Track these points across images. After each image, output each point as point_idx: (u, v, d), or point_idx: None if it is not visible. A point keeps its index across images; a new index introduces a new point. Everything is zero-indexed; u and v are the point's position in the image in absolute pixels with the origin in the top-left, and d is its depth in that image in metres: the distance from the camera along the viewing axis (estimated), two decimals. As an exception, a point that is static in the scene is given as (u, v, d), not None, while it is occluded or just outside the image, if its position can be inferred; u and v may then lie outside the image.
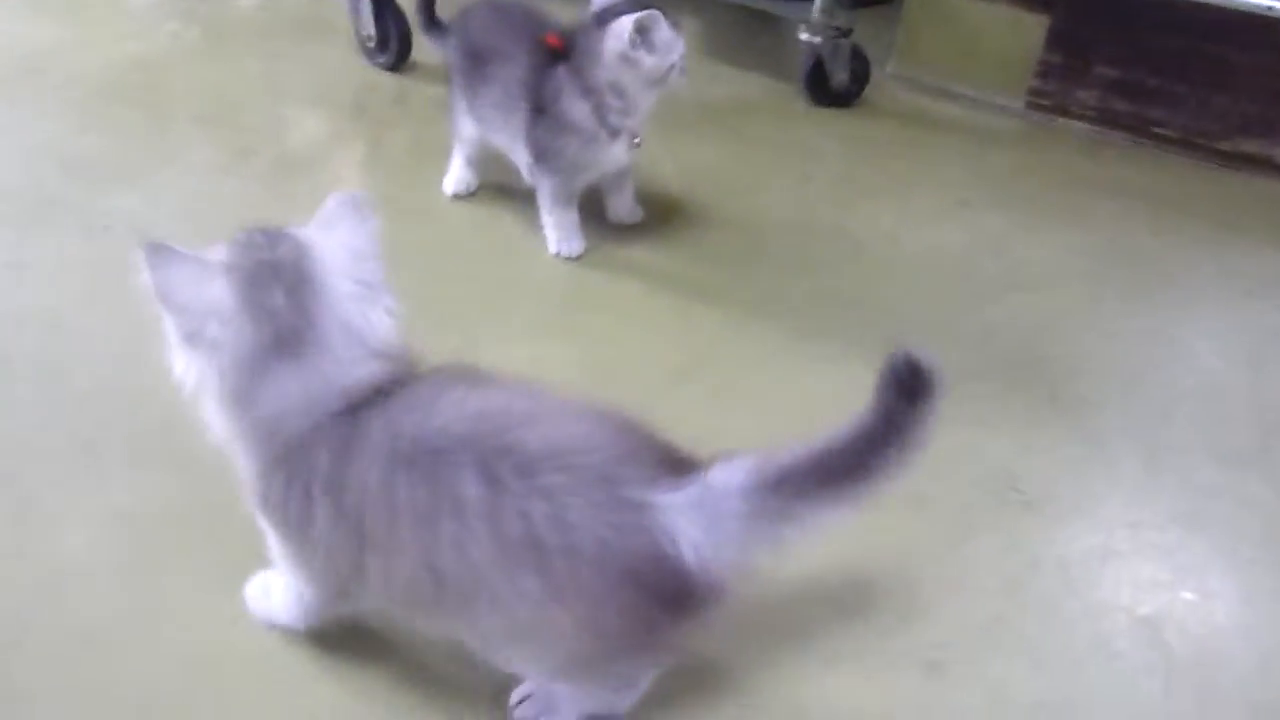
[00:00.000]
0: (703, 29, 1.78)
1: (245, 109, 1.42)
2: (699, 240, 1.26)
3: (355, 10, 1.53)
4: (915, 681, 0.76)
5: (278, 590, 0.72)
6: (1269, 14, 1.44)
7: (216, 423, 0.63)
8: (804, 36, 1.52)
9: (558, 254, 1.18)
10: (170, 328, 0.62)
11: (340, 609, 0.70)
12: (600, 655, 0.64)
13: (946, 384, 0.64)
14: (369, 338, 0.63)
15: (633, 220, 1.26)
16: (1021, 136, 1.59)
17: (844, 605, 0.82)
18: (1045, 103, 1.62)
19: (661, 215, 1.29)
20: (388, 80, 1.54)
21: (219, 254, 0.62)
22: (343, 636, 0.73)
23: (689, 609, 0.62)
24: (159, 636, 0.74)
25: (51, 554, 0.80)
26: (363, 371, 0.62)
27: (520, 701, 0.70)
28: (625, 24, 1.11)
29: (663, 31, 1.13)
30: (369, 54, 1.55)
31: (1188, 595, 0.86)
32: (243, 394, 0.61)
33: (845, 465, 0.63)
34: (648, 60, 1.13)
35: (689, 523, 0.60)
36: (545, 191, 1.18)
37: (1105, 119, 1.59)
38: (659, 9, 1.13)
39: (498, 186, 1.29)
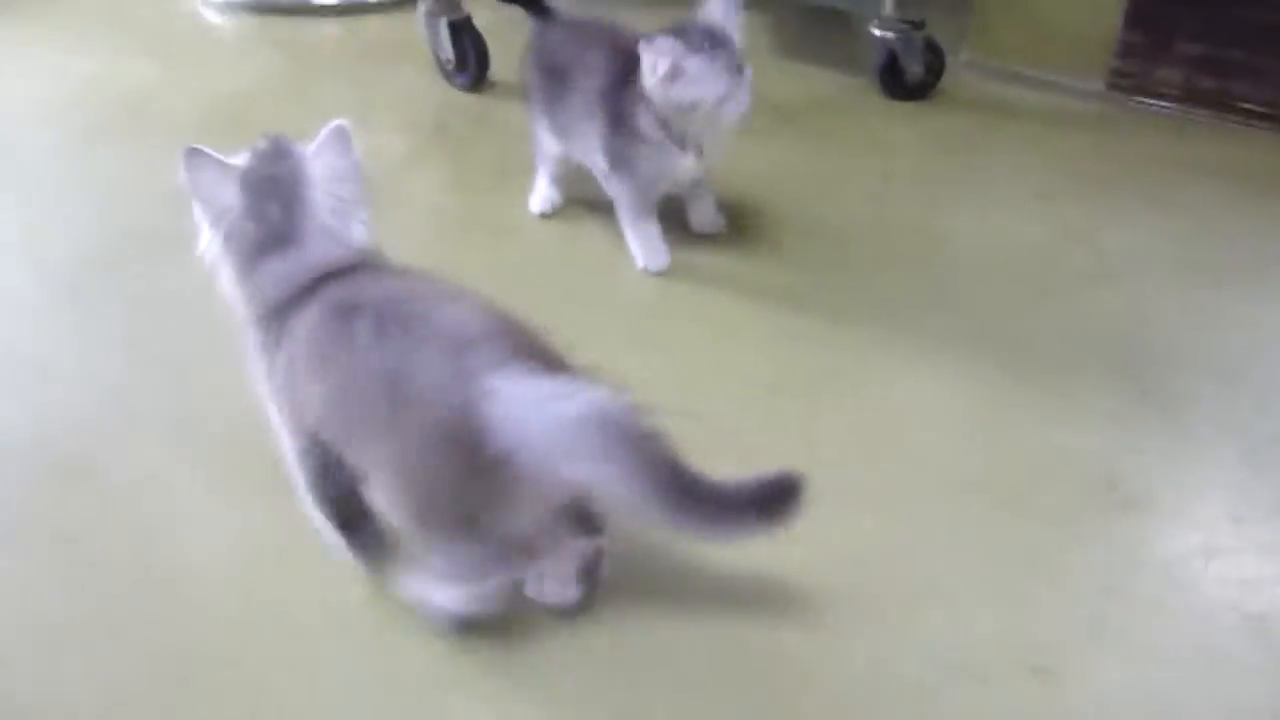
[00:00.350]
0: (773, 27, 1.78)
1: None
2: (782, 245, 1.26)
3: (434, 34, 1.56)
4: (1023, 686, 0.77)
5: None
6: (1359, -19, 1.40)
7: (226, 285, 0.83)
8: (876, 32, 1.51)
9: (644, 269, 1.20)
10: (199, 212, 0.83)
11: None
12: (424, 511, 0.74)
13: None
14: (341, 239, 0.81)
15: (715, 230, 1.26)
16: (1103, 120, 1.56)
17: (950, 608, 0.83)
18: (1126, 83, 1.58)
19: (743, 222, 1.30)
20: (468, 100, 1.57)
21: (240, 160, 0.82)
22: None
23: (495, 488, 0.70)
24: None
25: (183, 590, 0.84)
26: (329, 258, 0.80)
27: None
28: (654, 52, 1.08)
29: (692, 65, 1.08)
30: (448, 75, 1.58)
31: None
32: (243, 270, 0.81)
33: (677, 490, 0.68)
34: (677, 92, 1.09)
35: (511, 411, 0.67)
36: (623, 204, 1.20)
37: (1190, 97, 1.55)
38: (704, 40, 1.08)
39: (584, 203, 1.31)
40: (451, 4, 1.52)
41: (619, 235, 1.23)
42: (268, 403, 0.82)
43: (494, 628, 0.78)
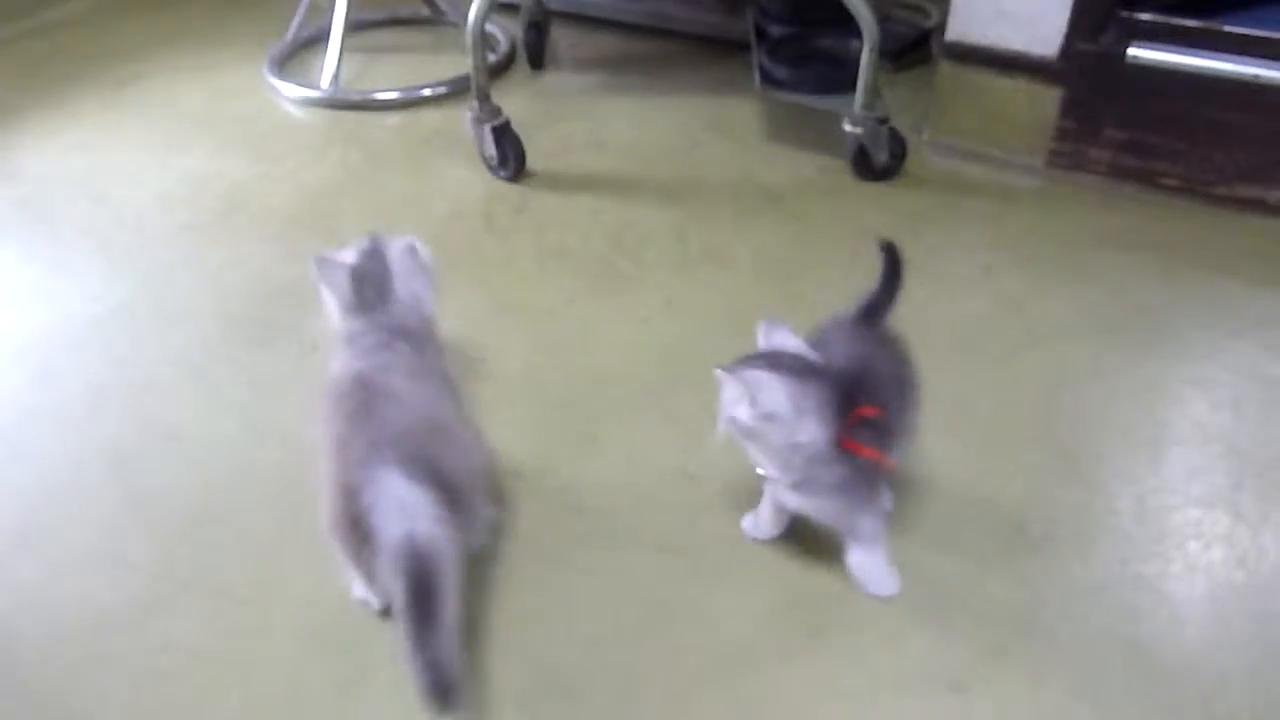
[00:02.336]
0: (765, 115, 1.92)
1: (400, 229, 1.60)
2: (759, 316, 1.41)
3: (479, 137, 1.71)
4: (942, 699, 0.92)
5: None
6: (1254, 80, 1.53)
7: (338, 324, 1.08)
8: (847, 127, 1.65)
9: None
10: (326, 295, 1.09)
11: None
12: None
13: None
14: (412, 310, 1.09)
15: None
16: (1042, 194, 1.69)
17: (884, 631, 0.98)
18: (1063, 161, 1.71)
19: (725, 301, 1.44)
20: (510, 191, 1.71)
21: (349, 254, 1.10)
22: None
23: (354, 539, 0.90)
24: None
25: (299, 629, 1.01)
26: (404, 321, 1.07)
27: None
28: (736, 381, 0.90)
29: (772, 398, 0.89)
30: (492, 169, 1.73)
31: (1165, 617, 0.99)
32: (346, 320, 1.07)
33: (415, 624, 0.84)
34: (754, 423, 0.91)
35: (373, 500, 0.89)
36: None
37: (1117, 173, 1.68)
38: (797, 372, 0.91)
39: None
40: (493, 112, 1.67)
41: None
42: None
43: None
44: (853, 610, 1.00)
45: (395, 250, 1.12)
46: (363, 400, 0.96)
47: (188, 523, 1.12)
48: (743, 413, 0.90)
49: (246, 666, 0.96)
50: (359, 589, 1.00)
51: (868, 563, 1.00)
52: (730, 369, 0.91)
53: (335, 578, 1.04)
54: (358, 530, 0.89)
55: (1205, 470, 1.16)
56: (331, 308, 1.10)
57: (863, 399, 0.93)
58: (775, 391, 0.89)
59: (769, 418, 0.90)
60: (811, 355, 0.94)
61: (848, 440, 0.91)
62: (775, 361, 0.92)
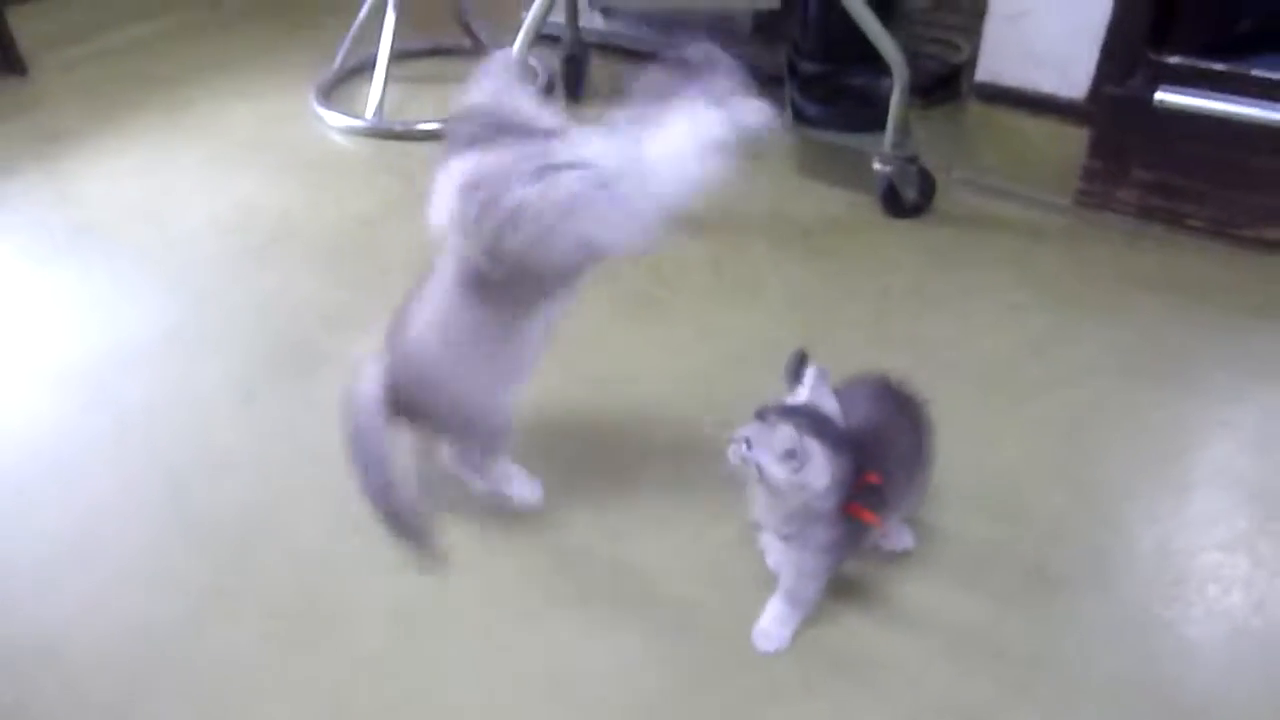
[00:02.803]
0: (799, 151, 1.95)
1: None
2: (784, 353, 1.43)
3: (520, 168, 1.75)
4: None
5: None
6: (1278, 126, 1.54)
7: None
8: (876, 165, 1.68)
9: None
10: None
11: None
12: None
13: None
14: None
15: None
16: (1070, 233, 1.70)
17: (909, 671, 1.00)
18: (1090, 201, 1.73)
19: (756, 340, 1.47)
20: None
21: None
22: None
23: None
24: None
25: (345, 648, 1.05)
26: None
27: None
28: (785, 439, 0.90)
29: (817, 472, 0.91)
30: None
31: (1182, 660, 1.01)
32: None
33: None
34: (786, 483, 0.91)
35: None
36: None
37: (1143, 213, 1.70)
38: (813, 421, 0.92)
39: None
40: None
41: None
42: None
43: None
44: (875, 646, 1.02)
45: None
46: None
47: (238, 543, 1.16)
48: (778, 471, 0.90)
49: (294, 683, 1.00)
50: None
51: (784, 617, 1.02)
52: (778, 420, 0.90)
53: (380, 598, 1.08)
54: None
55: (1227, 513, 1.17)
56: None
57: (871, 465, 0.95)
58: (821, 467, 0.90)
59: (803, 486, 0.91)
60: (842, 422, 0.94)
61: (853, 505, 0.94)
62: (821, 429, 0.91)
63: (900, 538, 1.11)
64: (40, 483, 1.25)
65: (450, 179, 0.83)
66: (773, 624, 1.02)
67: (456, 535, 1.14)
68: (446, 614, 1.07)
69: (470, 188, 0.81)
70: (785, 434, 0.89)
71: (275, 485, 1.24)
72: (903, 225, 1.72)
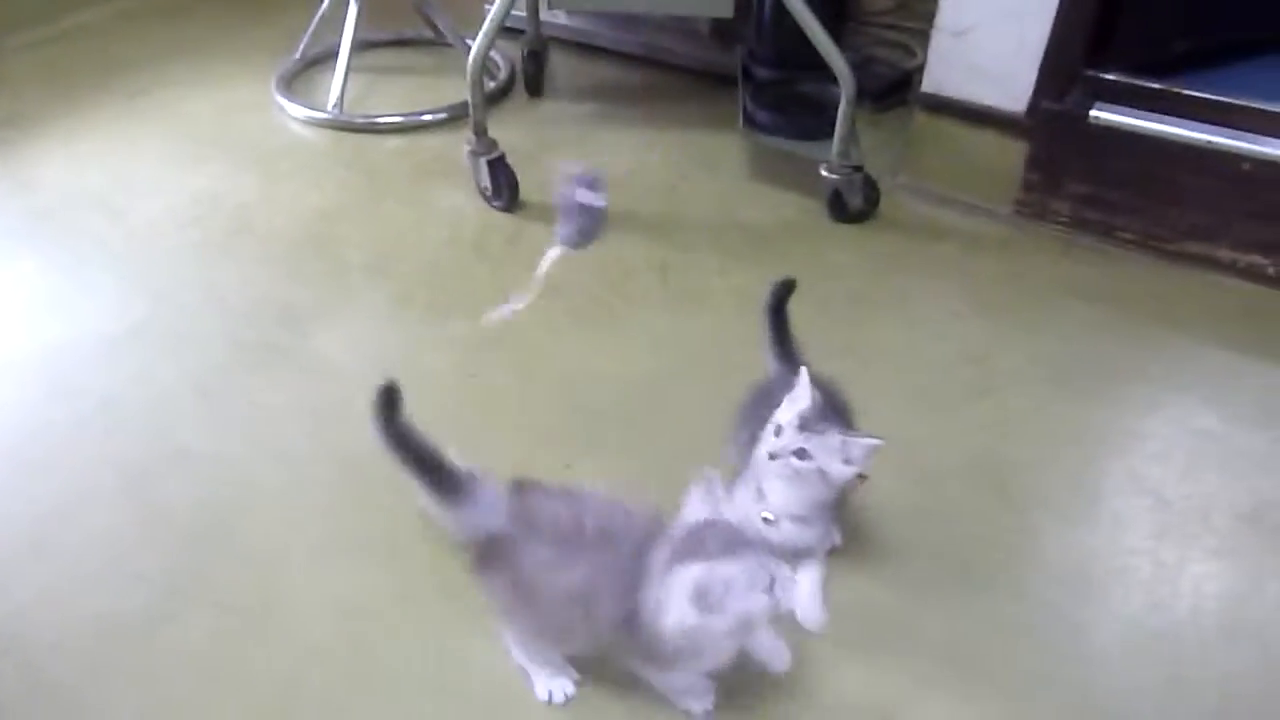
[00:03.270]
0: (750, 154, 2.00)
1: (399, 256, 1.70)
2: (727, 361, 1.49)
3: (475, 168, 1.79)
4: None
5: None
6: (1207, 146, 1.62)
7: None
8: (824, 173, 1.74)
9: None
10: None
11: None
12: None
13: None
14: None
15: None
16: (1008, 242, 1.77)
17: (817, 662, 1.07)
18: (1028, 210, 1.80)
19: (692, 350, 1.53)
20: (503, 221, 1.80)
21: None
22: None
23: None
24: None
25: (296, 640, 1.10)
26: None
27: None
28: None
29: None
30: (487, 199, 1.82)
31: (1086, 657, 1.08)
32: None
33: None
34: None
35: None
36: None
37: (1077, 225, 1.77)
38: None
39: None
40: (489, 146, 1.75)
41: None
42: None
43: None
44: (788, 640, 1.07)
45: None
46: None
47: (194, 537, 1.20)
48: (841, 471, 1.03)
49: (246, 675, 1.05)
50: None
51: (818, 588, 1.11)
52: (826, 427, 1.03)
53: (331, 592, 1.13)
54: None
55: (1133, 519, 1.25)
56: None
57: None
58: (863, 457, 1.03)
59: (845, 478, 1.04)
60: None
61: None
62: (844, 425, 1.07)
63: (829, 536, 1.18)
64: (3, 474, 1.28)
65: (682, 586, 0.87)
66: (814, 599, 1.10)
67: (405, 531, 1.19)
68: (397, 609, 1.12)
69: (700, 596, 0.86)
70: (837, 439, 1.02)
71: (230, 480, 1.28)
72: (848, 231, 1.78)
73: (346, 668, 1.06)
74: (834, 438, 1.01)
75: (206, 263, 1.69)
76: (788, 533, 1.08)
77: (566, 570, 0.92)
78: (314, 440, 1.34)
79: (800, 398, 1.04)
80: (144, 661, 1.06)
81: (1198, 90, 1.67)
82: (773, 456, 1.03)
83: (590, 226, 1.48)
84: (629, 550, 0.91)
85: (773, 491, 1.06)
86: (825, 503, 1.07)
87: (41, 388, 1.42)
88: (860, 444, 1.02)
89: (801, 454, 1.01)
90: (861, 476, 1.05)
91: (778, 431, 1.03)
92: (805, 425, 1.02)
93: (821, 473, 1.02)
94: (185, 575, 1.15)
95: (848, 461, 1.02)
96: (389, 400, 1.00)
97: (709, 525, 0.90)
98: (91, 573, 1.16)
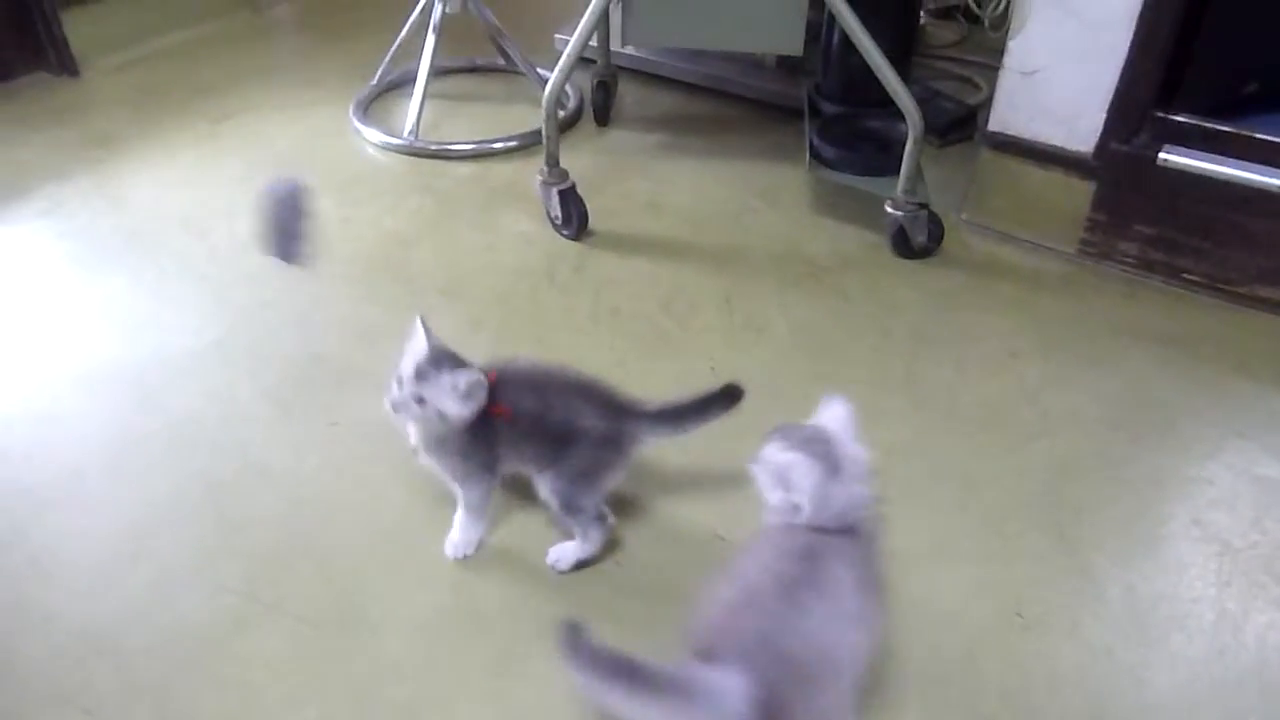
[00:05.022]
0: (813, 187, 2.04)
1: (471, 281, 1.77)
2: (792, 393, 1.52)
3: (546, 197, 1.85)
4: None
5: None
6: (1277, 191, 1.62)
7: None
8: (888, 209, 1.77)
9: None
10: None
11: None
12: None
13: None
14: None
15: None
16: (1071, 281, 1.79)
17: (878, 701, 1.09)
18: (1093, 251, 1.81)
19: (772, 370, 1.56)
20: (571, 249, 1.85)
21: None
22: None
23: None
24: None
25: (370, 653, 1.15)
26: None
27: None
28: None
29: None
30: (556, 227, 1.88)
31: (1143, 705, 1.09)
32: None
33: None
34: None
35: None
36: None
37: (1143, 266, 1.78)
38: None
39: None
40: (560, 176, 1.81)
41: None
42: None
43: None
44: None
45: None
46: None
47: (274, 550, 1.27)
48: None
49: (322, 686, 1.11)
50: None
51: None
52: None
53: (407, 607, 1.19)
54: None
55: (1197, 565, 1.26)
56: None
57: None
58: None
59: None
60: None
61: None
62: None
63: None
64: (98, 482, 1.36)
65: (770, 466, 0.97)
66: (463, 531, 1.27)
67: (487, 549, 1.25)
68: (471, 625, 1.17)
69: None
70: (446, 381, 1.14)
71: (308, 495, 1.34)
72: (910, 266, 1.81)
73: (418, 681, 1.11)
74: (444, 379, 1.12)
75: (287, 283, 1.76)
76: (433, 464, 1.22)
77: None
78: (388, 460, 1.39)
79: (417, 348, 1.14)
80: (226, 667, 1.12)
81: (1268, 133, 1.67)
82: (395, 409, 1.15)
83: (292, 238, 1.61)
84: None
85: (413, 433, 1.21)
86: (453, 436, 1.17)
87: (130, 399, 1.50)
88: (465, 376, 1.12)
89: (420, 400, 1.13)
90: (497, 409, 1.16)
91: (399, 384, 1.14)
92: (420, 374, 1.13)
93: (440, 413, 1.13)
94: (265, 586, 1.22)
95: (465, 397, 1.13)
96: (576, 635, 0.91)
97: None
98: (179, 581, 1.22)
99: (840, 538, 0.94)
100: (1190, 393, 1.53)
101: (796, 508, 0.95)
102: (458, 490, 1.24)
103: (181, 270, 1.79)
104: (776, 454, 0.96)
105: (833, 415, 1.02)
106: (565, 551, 1.25)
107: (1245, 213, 1.66)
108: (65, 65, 2.47)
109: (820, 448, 0.96)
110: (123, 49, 2.61)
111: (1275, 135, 1.66)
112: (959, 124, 2.19)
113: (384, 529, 1.30)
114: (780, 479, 0.96)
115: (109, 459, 1.40)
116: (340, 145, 2.21)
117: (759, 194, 2.03)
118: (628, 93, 2.45)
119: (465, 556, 1.26)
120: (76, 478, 1.37)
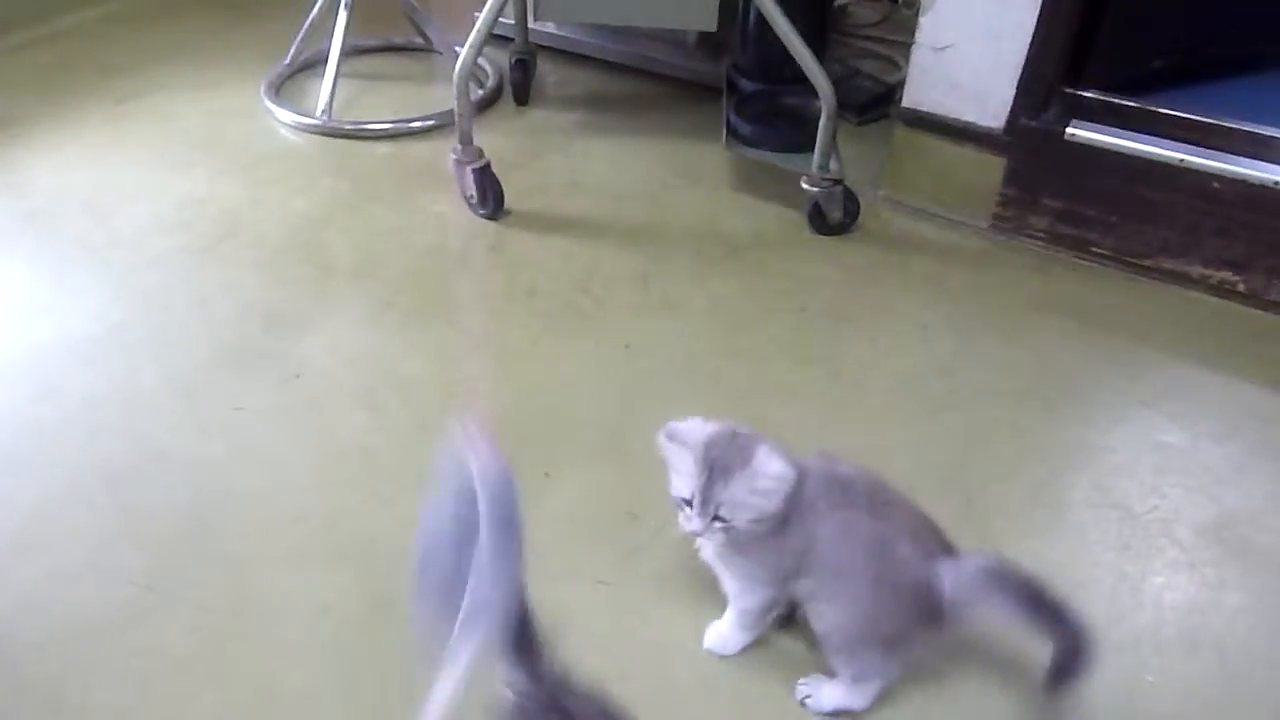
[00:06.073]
0: (732, 165, 2.04)
1: (383, 262, 1.73)
2: (707, 367, 1.53)
3: (460, 177, 1.82)
4: None
5: None
6: (1179, 165, 1.66)
7: None
8: (804, 185, 1.77)
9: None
10: None
11: None
12: (869, 634, 1.02)
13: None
14: None
15: None
16: (984, 256, 1.81)
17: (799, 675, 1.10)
18: (1005, 225, 1.84)
19: (671, 349, 1.56)
20: (487, 229, 1.83)
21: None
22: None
23: (931, 629, 1.01)
24: (349, 695, 1.06)
25: (271, 640, 1.13)
26: None
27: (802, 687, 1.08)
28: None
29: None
30: (471, 207, 1.85)
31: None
32: None
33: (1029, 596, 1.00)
34: None
35: (951, 585, 1.00)
36: None
37: (1053, 240, 1.81)
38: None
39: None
40: (475, 155, 1.79)
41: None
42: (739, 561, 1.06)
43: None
44: (773, 650, 1.12)
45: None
46: (869, 504, 1.02)
47: (173, 538, 1.23)
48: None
49: (222, 674, 1.08)
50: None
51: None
52: None
53: (307, 593, 1.16)
54: (928, 617, 1.01)
55: (1097, 531, 1.28)
56: None
57: None
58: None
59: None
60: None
61: None
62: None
63: None
64: (-12, 474, 1.32)
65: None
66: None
67: (380, 536, 1.23)
68: (370, 613, 1.15)
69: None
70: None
71: (210, 483, 1.31)
72: (827, 242, 1.82)
73: (320, 669, 1.09)
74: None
75: (191, 267, 1.72)
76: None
77: None
78: (293, 445, 1.37)
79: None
80: (123, 660, 1.09)
81: (1172, 108, 1.71)
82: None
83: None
84: None
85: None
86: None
87: (27, 388, 1.45)
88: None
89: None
90: None
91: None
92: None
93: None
94: (164, 575, 1.18)
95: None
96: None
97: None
98: (72, 572, 1.19)
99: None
100: (1096, 363, 1.56)
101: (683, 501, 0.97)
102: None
103: (84, 254, 1.73)
104: (679, 434, 0.97)
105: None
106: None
107: (1150, 186, 1.70)
108: (-39, 44, 2.37)
109: (720, 451, 0.96)
110: (26, 27, 2.51)
111: (1180, 110, 1.70)
112: (877, 101, 2.21)
113: (286, 515, 1.27)
114: (670, 463, 0.97)
115: (2, 448, 1.35)
116: (251, 125, 2.15)
117: (679, 172, 2.03)
118: (548, 72, 2.42)
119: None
120: (-32, 469, 1.32)
